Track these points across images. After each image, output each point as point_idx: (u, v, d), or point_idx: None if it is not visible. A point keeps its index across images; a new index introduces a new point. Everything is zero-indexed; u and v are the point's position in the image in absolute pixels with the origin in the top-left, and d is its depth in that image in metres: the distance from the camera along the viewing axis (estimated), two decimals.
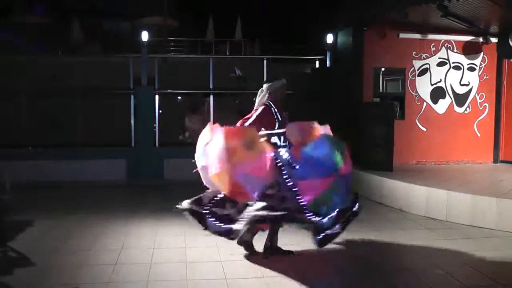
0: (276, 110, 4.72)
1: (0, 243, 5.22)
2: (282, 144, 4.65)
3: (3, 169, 7.62)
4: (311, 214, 4.31)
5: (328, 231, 4.38)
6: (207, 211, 4.45)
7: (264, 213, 4.21)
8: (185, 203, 4.56)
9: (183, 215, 4.57)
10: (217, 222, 4.42)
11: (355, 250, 5.28)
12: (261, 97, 4.82)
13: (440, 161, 9.71)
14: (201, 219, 4.46)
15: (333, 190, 4.38)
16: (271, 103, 4.75)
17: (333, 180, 4.37)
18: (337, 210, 4.41)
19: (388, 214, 6.96)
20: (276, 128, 4.67)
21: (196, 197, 4.57)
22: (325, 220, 4.35)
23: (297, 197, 4.31)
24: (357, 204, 4.73)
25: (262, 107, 4.73)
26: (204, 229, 4.51)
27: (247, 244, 4.89)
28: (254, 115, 4.68)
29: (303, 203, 4.30)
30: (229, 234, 4.39)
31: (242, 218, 4.28)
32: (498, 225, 6.02)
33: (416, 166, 9.38)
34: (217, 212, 4.46)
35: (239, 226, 4.28)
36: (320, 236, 4.34)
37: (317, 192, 4.35)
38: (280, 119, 4.70)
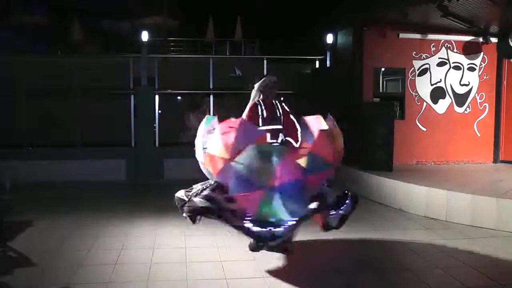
0: (263, 107, 4.76)
1: (0, 243, 5.23)
2: (270, 140, 4.66)
3: (3, 169, 7.62)
4: (250, 223, 4.09)
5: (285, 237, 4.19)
6: (249, 221, 4.11)
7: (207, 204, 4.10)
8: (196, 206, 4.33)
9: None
10: (261, 227, 4.11)
11: (355, 250, 5.29)
12: (253, 96, 4.87)
13: (440, 161, 9.71)
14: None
15: (268, 203, 4.08)
16: (261, 101, 4.79)
17: (264, 193, 4.07)
18: (296, 219, 4.09)
19: (388, 214, 6.96)
20: (260, 125, 4.68)
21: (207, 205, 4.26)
22: (280, 229, 4.07)
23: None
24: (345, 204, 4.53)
25: (249, 105, 4.81)
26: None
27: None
28: (244, 113, 4.77)
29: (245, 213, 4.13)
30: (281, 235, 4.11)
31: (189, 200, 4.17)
32: (498, 225, 6.03)
33: (416, 166, 9.39)
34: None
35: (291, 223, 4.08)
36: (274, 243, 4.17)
37: (255, 205, 4.10)
38: (264, 116, 4.71)
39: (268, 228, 4.05)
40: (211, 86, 10.60)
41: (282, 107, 4.88)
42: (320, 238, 5.41)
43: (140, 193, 8.87)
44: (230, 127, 4.33)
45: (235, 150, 4.15)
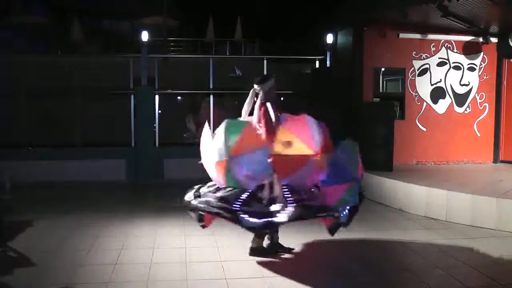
0: (270, 109, 4.71)
1: (0, 243, 5.22)
2: None
3: (3, 169, 7.62)
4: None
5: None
6: (239, 209, 4.31)
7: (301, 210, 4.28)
8: (193, 201, 4.57)
9: (188, 213, 4.58)
10: (251, 217, 4.28)
11: (355, 250, 5.29)
12: (251, 95, 4.82)
13: (440, 161, 9.71)
14: (235, 217, 4.33)
15: (351, 193, 4.52)
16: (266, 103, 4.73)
17: (352, 184, 4.55)
18: (349, 207, 4.49)
19: (388, 214, 6.96)
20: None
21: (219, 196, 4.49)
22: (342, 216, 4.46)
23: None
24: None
25: (262, 106, 4.69)
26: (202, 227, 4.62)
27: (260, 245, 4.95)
28: (261, 115, 4.64)
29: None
30: (269, 227, 4.39)
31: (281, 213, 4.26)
32: (498, 225, 6.03)
33: (416, 166, 9.39)
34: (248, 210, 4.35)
35: (280, 219, 4.22)
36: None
37: (338, 196, 4.46)
38: (274, 119, 4.67)
39: (264, 220, 4.23)
40: (211, 86, 10.59)
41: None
42: (320, 238, 5.41)
43: (140, 193, 8.87)
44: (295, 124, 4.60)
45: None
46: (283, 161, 4.38)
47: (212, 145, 4.54)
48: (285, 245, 5.02)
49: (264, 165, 4.34)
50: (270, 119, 4.55)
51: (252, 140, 4.44)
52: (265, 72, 10.55)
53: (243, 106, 4.85)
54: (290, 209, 4.23)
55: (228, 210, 4.31)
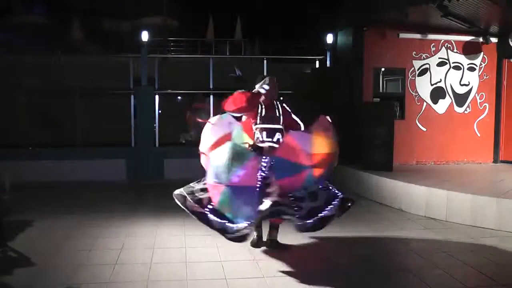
0: (263, 106, 4.90)
1: (0, 243, 5.22)
2: (266, 139, 4.82)
3: (3, 169, 7.62)
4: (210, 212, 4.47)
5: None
6: (209, 210, 4.46)
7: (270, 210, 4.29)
8: (182, 200, 4.61)
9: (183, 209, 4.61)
10: (219, 219, 4.42)
11: (355, 250, 5.28)
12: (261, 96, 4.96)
13: (440, 161, 9.71)
14: (202, 218, 4.47)
15: (226, 199, 4.45)
16: (261, 101, 4.91)
17: (223, 189, 4.46)
18: (249, 223, 4.38)
19: (388, 214, 6.96)
20: (257, 122, 4.87)
21: (195, 198, 4.58)
22: (232, 225, 4.40)
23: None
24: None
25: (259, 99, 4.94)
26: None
27: (276, 242, 5.06)
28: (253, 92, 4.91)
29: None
30: (231, 232, 4.37)
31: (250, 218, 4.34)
32: (498, 225, 6.02)
33: (416, 166, 9.38)
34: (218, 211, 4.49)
35: (242, 224, 4.32)
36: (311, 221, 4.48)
37: (217, 197, 4.48)
38: (262, 115, 4.86)
39: (224, 221, 4.37)
40: (211, 86, 10.59)
41: (283, 107, 4.99)
42: (320, 238, 5.42)
43: (140, 193, 8.87)
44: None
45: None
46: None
47: (214, 159, 4.59)
48: (282, 243, 5.11)
49: (252, 203, 4.38)
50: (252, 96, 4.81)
51: (252, 174, 4.50)
52: (265, 72, 10.56)
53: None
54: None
55: (197, 214, 4.45)
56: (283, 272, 4.47)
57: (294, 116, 4.99)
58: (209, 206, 4.46)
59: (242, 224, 4.32)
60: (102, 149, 9.97)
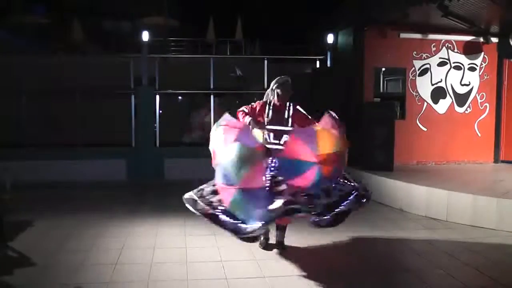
0: (271, 107, 4.90)
1: (0, 243, 5.22)
2: (273, 141, 4.82)
3: (3, 169, 7.62)
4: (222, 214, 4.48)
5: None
6: (220, 211, 4.46)
7: (282, 208, 4.29)
8: (192, 203, 4.62)
9: (183, 209, 4.62)
10: (232, 219, 4.42)
11: (355, 250, 5.28)
12: (267, 95, 5.03)
13: (440, 161, 9.70)
14: (214, 220, 4.48)
15: (238, 201, 4.44)
16: (271, 101, 4.93)
17: (235, 191, 4.43)
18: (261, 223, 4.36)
19: (388, 214, 6.96)
20: (265, 124, 4.87)
21: (205, 200, 4.60)
22: (246, 226, 4.38)
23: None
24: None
25: (260, 101, 4.98)
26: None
27: (282, 243, 5.06)
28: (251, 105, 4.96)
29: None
30: (245, 233, 4.37)
31: (259, 217, 4.32)
32: (498, 225, 6.02)
33: (417, 166, 9.38)
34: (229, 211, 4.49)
35: (256, 225, 4.29)
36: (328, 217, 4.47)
37: (229, 199, 4.45)
38: (269, 116, 4.86)
39: (236, 222, 4.37)
40: (211, 86, 10.58)
41: (295, 109, 4.97)
42: (320, 238, 5.41)
43: (140, 193, 8.86)
44: (235, 127, 4.64)
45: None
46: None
47: (222, 159, 4.56)
48: (286, 244, 5.11)
49: (263, 204, 4.37)
50: (250, 108, 4.88)
51: (260, 175, 4.50)
52: (265, 72, 10.56)
53: (243, 105, 4.98)
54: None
55: (209, 216, 4.47)
56: (283, 272, 4.47)
57: (305, 115, 4.96)
58: (220, 208, 4.46)
59: (256, 225, 4.29)
60: (102, 149, 9.96)
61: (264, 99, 5.01)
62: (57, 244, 5.28)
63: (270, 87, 4.99)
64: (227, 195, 4.46)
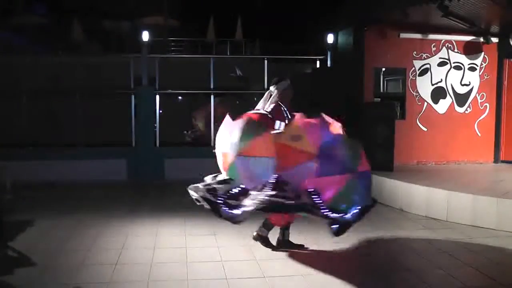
0: (285, 109, 4.96)
1: (0, 243, 5.22)
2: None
3: (3, 169, 7.62)
4: (327, 210, 4.39)
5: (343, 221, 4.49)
6: (222, 202, 4.47)
7: (274, 199, 4.29)
8: (198, 191, 4.60)
9: (196, 201, 4.60)
10: (230, 209, 4.44)
11: (355, 250, 5.28)
12: (272, 97, 5.03)
13: (440, 161, 9.70)
14: (215, 208, 4.47)
15: (351, 188, 4.46)
16: (281, 103, 4.97)
17: (351, 178, 4.47)
18: (360, 207, 4.48)
19: (388, 214, 6.95)
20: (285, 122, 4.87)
21: (210, 187, 4.60)
22: (348, 216, 4.44)
23: (312, 196, 4.39)
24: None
25: (274, 105, 4.95)
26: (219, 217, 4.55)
27: (264, 239, 5.03)
28: (269, 108, 4.91)
29: (318, 201, 4.37)
30: (238, 217, 4.40)
31: (252, 201, 4.34)
32: (498, 225, 6.01)
33: (417, 166, 9.38)
34: (231, 203, 4.50)
35: (248, 208, 4.32)
36: (336, 226, 4.48)
37: (336, 189, 4.43)
38: (289, 118, 4.89)
39: (226, 208, 4.40)
40: (211, 86, 10.59)
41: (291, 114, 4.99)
42: (320, 238, 5.41)
43: (140, 193, 8.86)
44: (309, 123, 4.70)
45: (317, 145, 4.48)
46: (284, 152, 4.47)
47: (228, 135, 4.62)
48: (295, 242, 5.14)
49: (265, 172, 4.43)
50: (285, 118, 4.83)
51: (262, 146, 4.51)
52: (265, 72, 10.56)
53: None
54: (260, 197, 4.31)
55: (209, 202, 4.44)
56: (283, 272, 4.47)
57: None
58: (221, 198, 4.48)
59: (236, 211, 4.36)
60: (102, 149, 9.97)
61: (274, 102, 4.98)
62: (57, 244, 5.28)
63: (273, 90, 5.03)
64: (225, 162, 4.57)
